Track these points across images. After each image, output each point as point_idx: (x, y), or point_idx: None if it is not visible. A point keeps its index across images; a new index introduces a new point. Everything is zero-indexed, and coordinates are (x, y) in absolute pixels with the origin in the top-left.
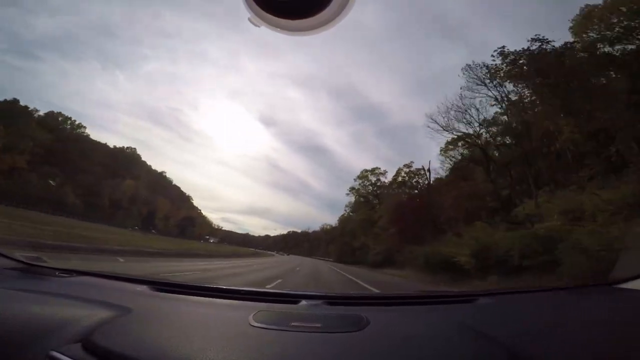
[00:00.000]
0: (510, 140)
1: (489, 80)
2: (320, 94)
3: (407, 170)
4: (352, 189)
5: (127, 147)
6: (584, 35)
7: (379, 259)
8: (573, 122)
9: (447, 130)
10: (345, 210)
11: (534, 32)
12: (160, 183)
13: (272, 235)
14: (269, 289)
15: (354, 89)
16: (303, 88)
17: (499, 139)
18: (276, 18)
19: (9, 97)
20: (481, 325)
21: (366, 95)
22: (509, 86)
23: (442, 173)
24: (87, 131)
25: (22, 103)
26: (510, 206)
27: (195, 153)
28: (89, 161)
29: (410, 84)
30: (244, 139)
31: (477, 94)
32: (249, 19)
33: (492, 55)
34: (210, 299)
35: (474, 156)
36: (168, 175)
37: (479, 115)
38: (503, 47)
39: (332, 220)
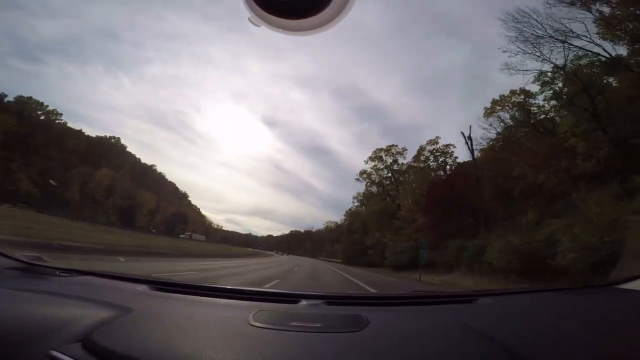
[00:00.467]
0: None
1: None
2: (322, 94)
3: (432, 148)
4: (362, 173)
5: (111, 137)
6: None
7: (403, 259)
8: None
9: (532, 52)
10: (353, 203)
11: None
12: (149, 176)
13: (274, 235)
14: (269, 288)
15: (355, 88)
16: (305, 88)
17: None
18: (276, 18)
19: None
20: (481, 325)
21: (368, 94)
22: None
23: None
24: (78, 125)
25: None
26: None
27: (200, 155)
28: (59, 149)
29: (412, 83)
30: (247, 141)
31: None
32: (249, 19)
33: None
34: (211, 298)
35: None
36: (168, 175)
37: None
38: None
39: (336, 220)
